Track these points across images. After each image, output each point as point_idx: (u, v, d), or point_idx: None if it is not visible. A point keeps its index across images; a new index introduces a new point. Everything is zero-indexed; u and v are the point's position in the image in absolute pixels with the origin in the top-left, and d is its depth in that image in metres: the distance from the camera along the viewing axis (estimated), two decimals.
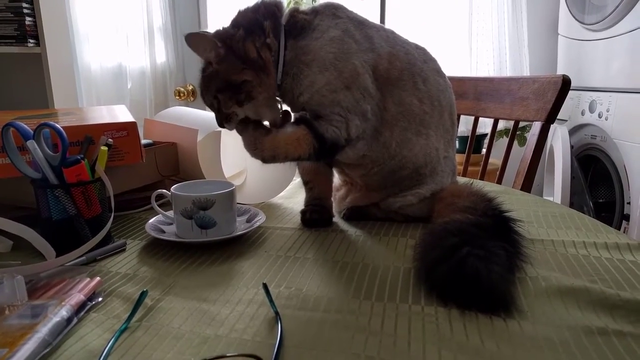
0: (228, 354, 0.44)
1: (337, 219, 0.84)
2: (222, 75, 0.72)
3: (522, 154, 1.30)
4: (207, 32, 0.73)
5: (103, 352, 0.43)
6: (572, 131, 2.32)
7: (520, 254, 0.61)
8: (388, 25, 0.94)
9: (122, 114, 0.89)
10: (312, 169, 0.83)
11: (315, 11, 0.75)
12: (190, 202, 0.69)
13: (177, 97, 2.18)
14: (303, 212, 0.82)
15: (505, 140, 1.60)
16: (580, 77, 2.27)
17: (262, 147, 0.72)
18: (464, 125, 2.42)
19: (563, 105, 1.22)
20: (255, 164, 0.80)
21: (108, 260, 0.67)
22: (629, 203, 1.96)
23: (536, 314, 0.50)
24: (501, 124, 2.49)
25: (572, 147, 2.28)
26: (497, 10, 2.60)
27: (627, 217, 1.97)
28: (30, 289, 0.54)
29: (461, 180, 0.89)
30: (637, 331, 0.47)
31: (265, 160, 0.72)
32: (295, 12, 0.74)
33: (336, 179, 0.88)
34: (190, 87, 2.17)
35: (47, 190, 0.66)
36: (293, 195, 0.99)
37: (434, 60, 0.82)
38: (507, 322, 0.49)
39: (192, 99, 2.20)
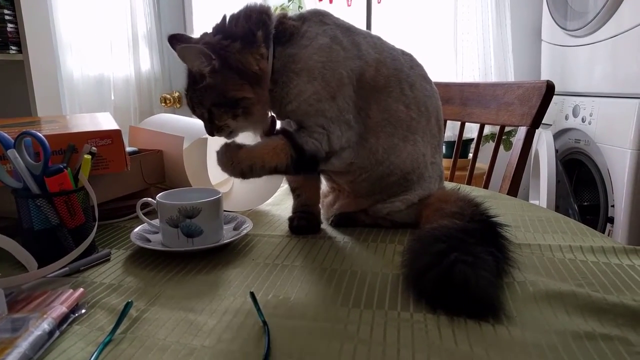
0: None
1: (325, 225, 0.83)
2: (219, 90, 0.70)
3: (508, 158, 1.31)
4: (194, 43, 0.71)
5: None
6: (557, 135, 2.35)
7: (508, 259, 0.62)
8: (374, 31, 0.95)
9: (106, 122, 0.88)
10: (293, 175, 0.82)
11: (303, 17, 0.75)
12: (176, 210, 0.68)
13: (163, 104, 2.17)
14: (291, 219, 0.82)
15: (491, 145, 1.62)
16: (564, 82, 2.30)
17: (237, 160, 0.71)
18: (451, 130, 2.44)
19: (547, 110, 1.23)
20: None
21: (92, 270, 0.65)
22: (612, 206, 1.98)
23: (524, 319, 0.50)
24: (487, 129, 2.51)
25: (556, 151, 2.31)
26: (481, 17, 2.64)
27: (611, 220, 2.00)
28: (10, 302, 0.53)
29: (448, 185, 0.89)
30: (624, 335, 0.47)
31: (244, 173, 0.71)
32: (283, 18, 0.74)
33: (324, 185, 0.88)
34: (177, 94, 2.16)
35: (29, 200, 0.65)
36: (281, 202, 0.98)
37: (420, 66, 0.82)
38: (495, 328, 0.48)
39: (178, 105, 2.19)
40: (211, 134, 0.76)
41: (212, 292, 0.58)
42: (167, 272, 0.65)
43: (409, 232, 0.78)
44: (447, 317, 0.51)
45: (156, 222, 0.74)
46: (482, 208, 0.70)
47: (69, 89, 2.05)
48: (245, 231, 0.74)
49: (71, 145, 0.70)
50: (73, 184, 0.68)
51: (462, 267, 0.53)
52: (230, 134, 0.76)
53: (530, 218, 0.85)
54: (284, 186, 0.95)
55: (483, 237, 0.61)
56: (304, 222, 0.80)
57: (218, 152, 0.73)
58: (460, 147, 1.50)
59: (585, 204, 2.28)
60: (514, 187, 1.27)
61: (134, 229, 0.75)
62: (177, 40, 0.74)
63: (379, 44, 0.78)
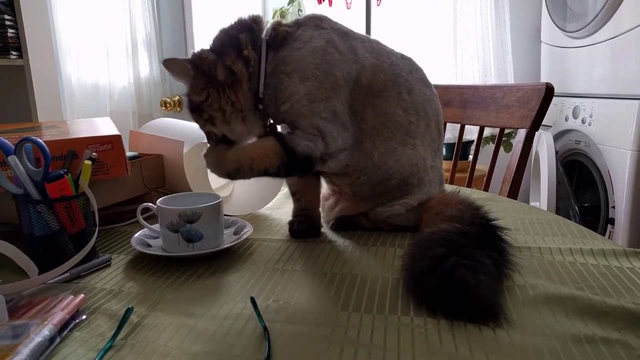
0: None
1: (325, 229, 0.83)
2: (188, 96, 0.74)
3: (508, 159, 1.31)
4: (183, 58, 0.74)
5: None
6: (557, 137, 2.35)
7: (508, 262, 0.62)
8: (374, 35, 0.95)
9: (106, 127, 0.88)
10: (299, 179, 0.82)
11: (299, 23, 0.75)
12: (176, 215, 0.68)
13: (164, 108, 2.17)
14: (291, 223, 0.82)
15: (491, 147, 1.62)
16: (564, 83, 2.30)
17: (224, 161, 0.72)
18: (451, 132, 2.44)
19: (547, 112, 1.24)
20: None
21: (93, 276, 0.66)
22: (613, 207, 1.98)
23: (525, 323, 0.50)
24: (487, 131, 2.52)
25: (556, 152, 2.31)
26: (480, 19, 2.64)
27: (612, 221, 2.00)
28: (11, 308, 0.53)
29: (448, 187, 0.89)
30: (624, 338, 0.47)
31: (230, 174, 0.72)
32: (277, 25, 0.74)
33: (325, 188, 0.88)
34: (177, 98, 2.16)
35: (30, 205, 0.65)
36: (281, 206, 0.98)
37: (419, 70, 0.83)
38: (496, 332, 0.48)
39: (178, 109, 2.19)
40: (208, 142, 0.77)
41: (213, 297, 0.58)
42: (167, 277, 0.65)
43: (409, 236, 0.78)
44: (447, 321, 0.51)
45: (156, 227, 0.74)
46: (482, 211, 0.70)
47: (69, 94, 2.05)
48: (245, 235, 0.74)
49: (71, 150, 0.71)
50: (73, 189, 0.68)
51: (461, 271, 0.53)
52: (233, 143, 0.76)
53: (530, 221, 0.85)
54: (284, 190, 0.95)
55: (483, 240, 0.61)
56: (304, 226, 0.80)
57: (206, 151, 0.75)
58: (460, 149, 1.50)
59: (586, 205, 2.28)
60: (514, 189, 1.27)
61: (134, 234, 0.75)
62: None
63: (376, 49, 0.78)
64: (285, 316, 0.53)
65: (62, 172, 0.67)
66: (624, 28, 1.89)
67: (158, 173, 0.97)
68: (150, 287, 0.61)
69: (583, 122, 2.14)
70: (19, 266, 0.66)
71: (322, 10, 2.65)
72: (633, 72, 1.86)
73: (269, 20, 0.76)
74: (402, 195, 0.79)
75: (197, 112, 0.74)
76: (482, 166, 2.36)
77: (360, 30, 0.80)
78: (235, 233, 0.77)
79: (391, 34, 2.63)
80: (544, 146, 2.29)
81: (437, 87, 0.87)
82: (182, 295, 0.59)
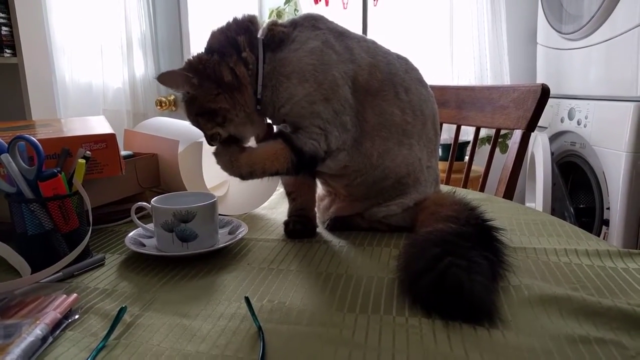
0: None
1: (320, 229, 0.83)
2: (199, 102, 0.72)
3: (504, 160, 1.31)
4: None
5: None
6: (552, 138, 2.36)
7: (503, 262, 0.62)
8: (370, 35, 0.95)
9: (100, 126, 0.88)
10: (295, 179, 0.82)
11: (294, 23, 0.75)
12: (170, 214, 0.68)
13: (159, 107, 2.16)
14: (286, 223, 0.81)
15: (487, 147, 1.62)
16: (559, 85, 2.31)
17: (238, 164, 0.71)
18: (447, 133, 2.44)
19: (543, 113, 1.24)
20: None
21: (86, 275, 0.65)
22: (608, 208, 1.99)
23: (519, 323, 0.50)
24: (483, 132, 2.52)
25: (552, 154, 2.32)
26: (477, 20, 2.65)
27: (606, 222, 2.01)
28: (3, 308, 0.52)
29: (444, 188, 0.90)
30: (618, 338, 0.47)
31: (243, 176, 0.72)
32: (273, 25, 0.74)
33: (320, 189, 0.88)
34: (172, 97, 2.15)
35: (22, 204, 0.64)
36: (276, 206, 0.98)
37: (416, 70, 0.82)
38: (490, 332, 0.48)
39: (174, 108, 2.18)
40: (209, 143, 0.76)
41: (207, 297, 0.58)
42: (161, 276, 0.64)
43: (405, 236, 0.78)
44: (442, 321, 0.51)
45: (151, 226, 0.73)
46: (478, 212, 0.70)
47: (64, 92, 2.05)
48: (240, 235, 0.74)
49: (65, 149, 0.70)
50: (67, 188, 0.67)
51: (455, 272, 0.53)
52: (237, 142, 0.75)
53: (526, 221, 0.85)
54: (280, 190, 0.95)
55: (478, 240, 0.61)
56: (299, 226, 0.80)
57: (217, 150, 0.74)
58: (456, 150, 1.50)
59: (581, 206, 2.29)
60: (510, 190, 1.27)
61: (128, 234, 0.74)
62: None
63: (372, 48, 0.78)
64: (279, 316, 0.53)
65: (56, 171, 0.66)
66: (620, 30, 1.90)
67: (153, 172, 0.97)
68: (144, 287, 0.61)
69: (578, 123, 2.15)
70: (12, 265, 0.65)
71: (319, 10, 2.64)
72: (628, 74, 1.87)
73: (264, 20, 0.76)
74: (397, 195, 0.79)
75: (206, 115, 0.72)
76: (478, 167, 2.36)
77: (357, 30, 0.79)
78: (230, 233, 0.77)
79: (388, 34, 2.63)
80: (540, 147, 2.30)
81: (433, 87, 0.87)
82: (176, 295, 0.59)
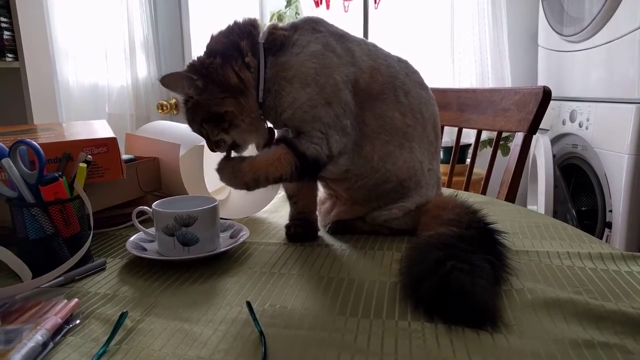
0: None
1: (322, 233, 0.83)
2: (205, 107, 0.71)
3: (505, 163, 1.31)
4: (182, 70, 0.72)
5: None
6: (554, 140, 2.36)
7: (506, 266, 0.61)
8: (371, 38, 0.95)
9: (102, 130, 0.88)
10: (297, 183, 0.82)
11: (295, 26, 0.75)
12: (172, 218, 0.68)
13: (160, 111, 2.16)
14: (288, 227, 0.81)
15: (489, 150, 1.62)
16: (561, 87, 2.31)
17: (241, 172, 0.71)
18: (448, 135, 2.44)
19: (545, 115, 1.24)
20: None
21: (87, 280, 0.65)
22: (610, 211, 1.98)
23: (523, 327, 0.50)
24: (485, 134, 2.52)
25: (554, 156, 2.31)
26: (478, 23, 2.65)
27: (609, 225, 2.00)
28: (4, 313, 0.52)
29: (446, 191, 0.89)
30: (622, 343, 0.46)
31: (248, 185, 0.71)
32: (274, 28, 0.74)
33: (321, 192, 0.88)
34: (173, 101, 2.15)
35: (24, 209, 0.64)
36: (277, 210, 0.98)
37: (416, 73, 0.82)
38: (494, 337, 0.48)
39: (175, 112, 2.18)
40: (212, 149, 0.76)
41: (208, 302, 0.57)
42: (163, 281, 0.64)
43: (406, 240, 0.77)
44: (445, 326, 0.50)
45: (152, 230, 0.73)
46: (480, 215, 0.70)
47: (66, 97, 2.05)
48: (242, 239, 0.73)
49: (66, 153, 0.70)
50: (68, 192, 0.67)
51: (458, 275, 0.53)
52: (237, 148, 0.75)
53: (528, 224, 0.85)
54: (281, 193, 0.95)
55: (480, 244, 0.61)
56: (301, 230, 0.80)
57: (219, 165, 0.73)
58: (458, 152, 1.50)
59: (583, 209, 2.28)
60: (512, 193, 1.27)
61: (129, 238, 0.74)
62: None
63: (373, 51, 0.78)
64: (281, 321, 0.53)
65: (57, 175, 0.66)
66: (621, 32, 1.89)
67: (154, 176, 0.97)
68: (145, 292, 0.61)
69: (580, 125, 2.15)
70: (13, 270, 0.65)
71: (320, 13, 2.65)
72: (630, 76, 1.86)
73: (265, 24, 0.76)
74: (399, 198, 0.79)
75: (213, 121, 0.71)
76: (480, 170, 2.36)
77: (358, 33, 0.79)
78: (231, 237, 0.77)
79: (389, 37, 2.63)
80: (542, 150, 2.29)
81: (435, 90, 0.87)
82: (177, 299, 0.59)
